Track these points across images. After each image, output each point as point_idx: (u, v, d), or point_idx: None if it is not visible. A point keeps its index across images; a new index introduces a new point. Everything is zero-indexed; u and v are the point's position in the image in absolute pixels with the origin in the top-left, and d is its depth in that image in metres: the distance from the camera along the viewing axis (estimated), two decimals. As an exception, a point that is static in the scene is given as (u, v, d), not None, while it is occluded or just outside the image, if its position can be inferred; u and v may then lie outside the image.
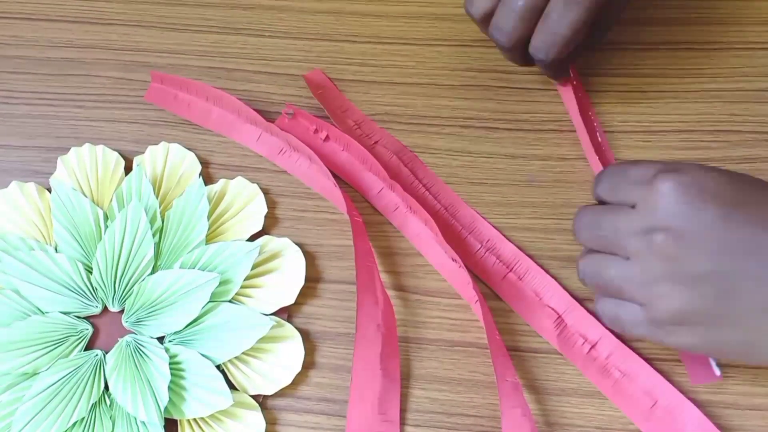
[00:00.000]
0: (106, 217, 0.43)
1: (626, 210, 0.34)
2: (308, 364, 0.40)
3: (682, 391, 0.38)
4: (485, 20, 0.41)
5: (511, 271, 0.42)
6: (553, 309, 0.40)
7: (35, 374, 0.39)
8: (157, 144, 0.46)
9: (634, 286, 0.34)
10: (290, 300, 0.41)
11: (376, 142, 0.45)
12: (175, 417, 0.38)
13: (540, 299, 0.41)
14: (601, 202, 0.37)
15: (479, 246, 0.42)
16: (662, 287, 0.33)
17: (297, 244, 0.42)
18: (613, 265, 0.35)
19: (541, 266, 0.41)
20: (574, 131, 0.45)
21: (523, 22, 0.39)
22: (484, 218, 0.43)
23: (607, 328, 0.39)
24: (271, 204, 0.44)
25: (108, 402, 0.39)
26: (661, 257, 0.33)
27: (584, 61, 0.46)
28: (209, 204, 0.43)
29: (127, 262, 0.41)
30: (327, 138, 0.46)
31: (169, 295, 0.40)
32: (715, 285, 0.32)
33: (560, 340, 0.40)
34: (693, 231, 0.32)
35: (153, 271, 0.41)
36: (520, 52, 0.41)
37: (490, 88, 0.47)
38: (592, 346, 0.39)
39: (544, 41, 0.39)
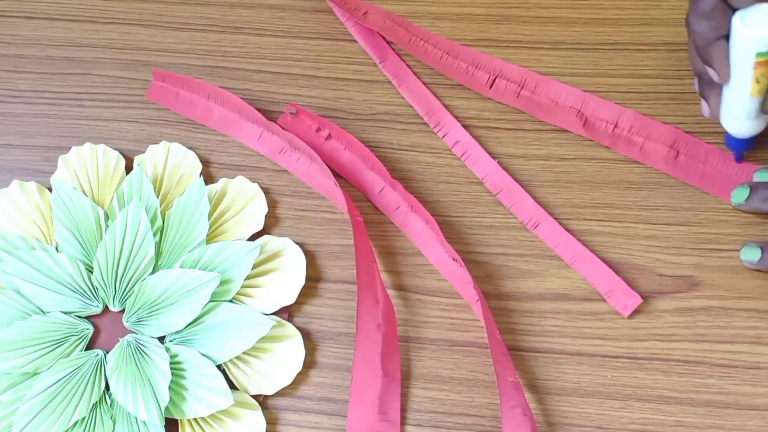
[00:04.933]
0: (106, 217, 0.43)
1: None
2: (309, 364, 0.40)
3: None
4: None
5: (522, 88, 0.45)
6: (571, 107, 0.44)
7: (36, 374, 0.39)
8: (157, 143, 0.46)
9: None
10: (291, 299, 0.41)
11: (365, 13, 0.48)
12: (176, 417, 0.38)
13: (556, 103, 0.45)
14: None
15: (488, 76, 0.46)
16: None
17: (298, 243, 0.42)
18: None
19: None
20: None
21: None
22: (484, 54, 0.46)
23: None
24: (272, 203, 0.44)
25: (109, 402, 0.39)
26: None
27: (585, 61, 0.46)
28: (210, 203, 0.43)
29: (127, 261, 0.41)
30: (329, 137, 0.46)
31: (170, 295, 0.40)
32: None
33: (586, 128, 0.44)
34: None
35: (154, 271, 0.41)
36: None
37: (491, 87, 0.47)
38: (615, 126, 0.44)
39: None
